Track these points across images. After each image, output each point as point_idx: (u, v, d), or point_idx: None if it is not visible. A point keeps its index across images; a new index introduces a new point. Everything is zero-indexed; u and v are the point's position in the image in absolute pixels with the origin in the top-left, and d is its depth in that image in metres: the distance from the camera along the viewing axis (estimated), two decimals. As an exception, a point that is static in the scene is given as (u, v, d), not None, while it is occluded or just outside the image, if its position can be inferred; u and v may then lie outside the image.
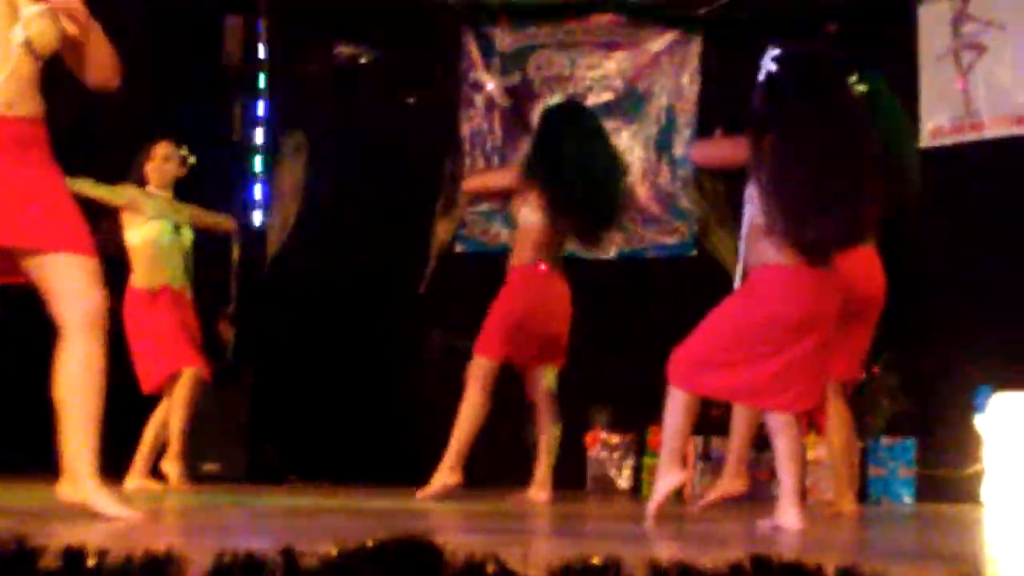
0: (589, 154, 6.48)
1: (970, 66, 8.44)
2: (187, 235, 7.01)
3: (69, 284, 3.88)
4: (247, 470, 8.27)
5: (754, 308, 4.80)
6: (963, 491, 7.48)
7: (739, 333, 4.79)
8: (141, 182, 6.87)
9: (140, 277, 6.84)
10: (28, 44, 3.89)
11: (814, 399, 4.82)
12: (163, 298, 6.82)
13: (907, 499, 7.76)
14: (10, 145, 3.88)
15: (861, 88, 5.77)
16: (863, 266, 5.70)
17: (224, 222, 7.52)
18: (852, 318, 5.57)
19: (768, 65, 4.80)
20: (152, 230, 6.84)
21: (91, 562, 1.69)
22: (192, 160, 7.10)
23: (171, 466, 6.77)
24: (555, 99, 8.36)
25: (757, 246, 4.78)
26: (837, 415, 5.87)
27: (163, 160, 6.93)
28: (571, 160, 6.38)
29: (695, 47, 9.30)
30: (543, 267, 6.52)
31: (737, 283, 5.02)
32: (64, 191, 4.04)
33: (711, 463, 8.06)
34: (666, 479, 4.93)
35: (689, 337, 4.88)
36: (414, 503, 6.00)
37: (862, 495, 7.74)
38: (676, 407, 4.89)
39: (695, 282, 8.08)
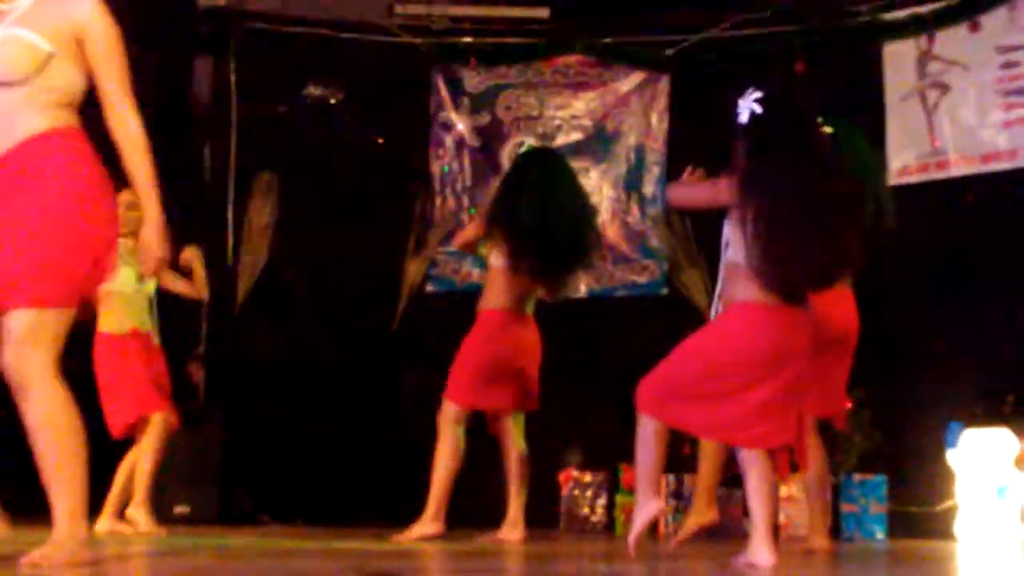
0: (550, 204, 6.49)
1: (935, 105, 8.51)
2: (151, 282, 6.98)
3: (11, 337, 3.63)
4: (219, 511, 8.24)
5: (726, 342, 4.82)
6: (935, 527, 7.48)
7: (710, 366, 4.80)
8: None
9: (107, 322, 6.80)
10: None
11: (786, 436, 4.81)
12: (132, 343, 6.77)
13: (879, 535, 7.76)
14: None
15: (827, 129, 5.80)
16: (838, 304, 5.73)
17: (193, 293, 7.37)
18: (827, 354, 5.60)
19: (751, 107, 4.81)
20: (116, 277, 6.81)
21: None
22: None
23: (137, 512, 6.71)
24: (524, 139, 8.38)
25: (734, 284, 4.80)
26: (811, 450, 5.87)
27: (126, 208, 6.84)
28: (531, 209, 6.40)
29: (663, 86, 9.34)
30: (511, 312, 6.54)
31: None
32: (36, 228, 3.65)
33: (684, 501, 8.06)
34: (644, 510, 4.92)
35: (659, 365, 4.87)
36: (388, 544, 5.97)
37: (835, 531, 7.74)
38: (646, 437, 4.88)
39: (666, 321, 8.09)
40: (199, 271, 7.07)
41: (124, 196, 6.87)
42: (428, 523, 6.35)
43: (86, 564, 3.69)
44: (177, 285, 7.11)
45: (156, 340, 6.96)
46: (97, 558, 4.02)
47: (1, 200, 3.65)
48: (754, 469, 4.78)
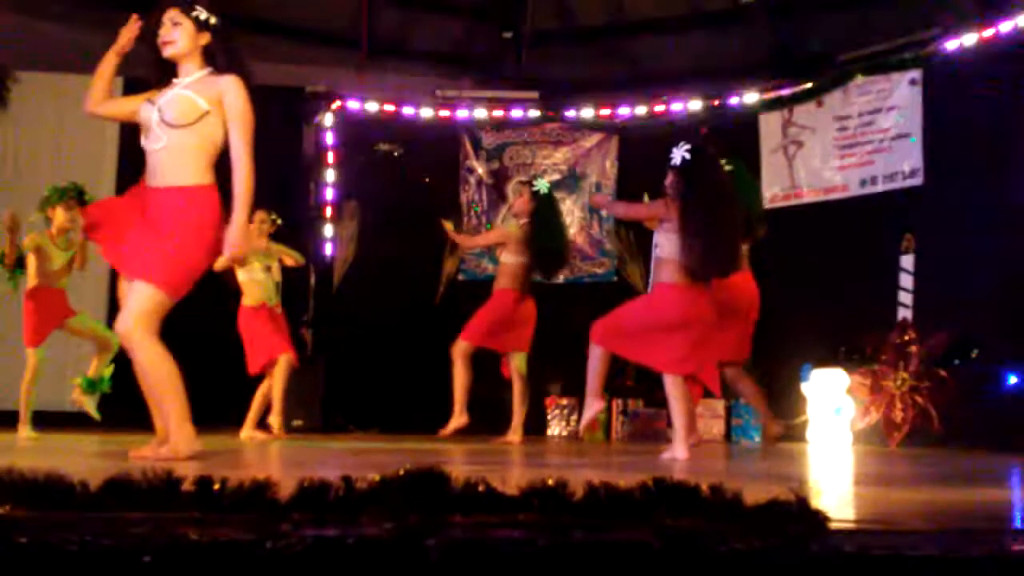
0: (550, 225, 6.61)
1: (794, 155, 8.53)
2: (276, 271, 6.99)
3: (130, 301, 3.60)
4: (322, 424, 8.27)
5: (654, 307, 4.85)
6: (794, 434, 7.48)
7: (643, 319, 4.84)
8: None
9: (246, 299, 6.81)
10: (164, 121, 3.66)
11: (691, 368, 4.82)
12: (262, 312, 6.78)
13: (757, 440, 7.77)
14: (152, 209, 3.64)
15: (729, 168, 5.81)
16: (745, 283, 5.77)
17: (294, 259, 7.40)
18: (735, 318, 5.62)
19: (682, 154, 4.82)
20: (249, 271, 6.82)
21: (216, 487, 1.68)
22: (279, 222, 7.09)
23: (275, 420, 6.73)
24: (521, 178, 8.37)
25: (660, 271, 4.84)
26: (744, 379, 6.06)
27: (259, 223, 6.91)
28: (541, 228, 6.50)
29: (615, 143, 9.36)
30: (516, 291, 6.59)
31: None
32: (171, 240, 3.60)
33: (629, 417, 8.07)
34: (591, 408, 5.05)
35: (609, 314, 4.92)
36: (433, 443, 5.98)
37: (726, 437, 7.78)
38: (595, 358, 4.94)
39: (615, 298, 8.04)
40: (282, 249, 7.07)
41: (257, 215, 6.92)
42: (458, 418, 6.53)
43: (203, 455, 3.65)
44: (287, 260, 7.13)
45: (280, 310, 6.97)
46: (226, 449, 4.02)
47: (153, 217, 3.63)
48: (673, 393, 4.80)
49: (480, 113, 9.49)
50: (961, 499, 2.63)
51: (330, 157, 9.35)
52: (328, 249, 9.25)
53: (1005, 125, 7.09)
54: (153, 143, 3.69)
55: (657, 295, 4.88)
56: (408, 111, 9.39)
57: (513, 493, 1.68)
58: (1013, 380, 6.70)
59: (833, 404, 7.37)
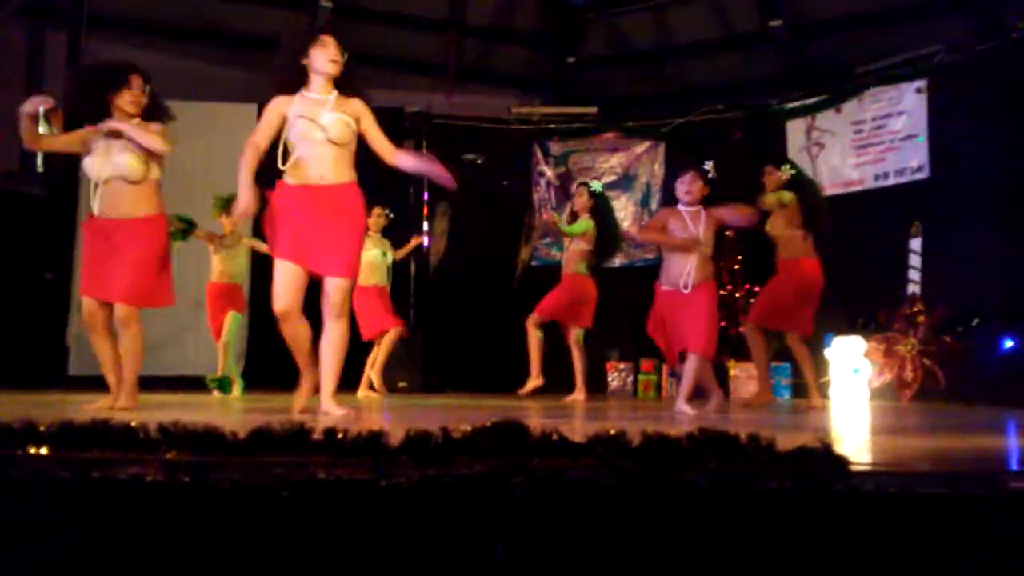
0: (607, 218, 6.52)
1: (816, 155, 8.34)
2: (388, 257, 7.07)
3: (327, 289, 3.71)
4: (422, 385, 8.35)
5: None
6: (819, 393, 7.34)
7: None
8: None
9: (361, 279, 6.90)
10: (329, 139, 3.69)
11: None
12: (372, 290, 6.88)
13: (787, 397, 7.65)
14: (320, 204, 3.68)
15: (792, 172, 5.67)
16: (814, 268, 5.60)
17: (402, 255, 7.55)
18: (809, 298, 5.50)
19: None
20: (368, 255, 6.91)
21: (340, 436, 1.71)
22: (391, 216, 7.18)
23: (376, 378, 6.86)
24: (584, 180, 8.31)
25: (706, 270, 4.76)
26: (803, 349, 5.78)
27: (377, 216, 7.01)
28: (607, 230, 6.42)
29: (662, 148, 9.26)
30: (583, 275, 6.53)
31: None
32: (351, 233, 3.70)
33: (676, 377, 7.99)
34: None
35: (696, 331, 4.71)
36: (513, 401, 5.99)
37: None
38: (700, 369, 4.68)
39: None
40: (388, 244, 7.18)
41: (375, 210, 7.03)
42: (534, 380, 6.42)
43: (345, 409, 3.70)
44: (399, 255, 7.25)
45: (388, 290, 7.06)
46: (351, 409, 4.08)
47: (328, 212, 3.67)
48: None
49: (548, 126, 9.45)
50: (964, 445, 2.55)
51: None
52: (425, 241, 9.33)
53: (1001, 123, 6.86)
54: (317, 150, 3.69)
55: (710, 296, 4.69)
56: (488, 126, 9.40)
57: (581, 440, 1.68)
58: (1008, 344, 6.52)
59: (852, 366, 7.21)
